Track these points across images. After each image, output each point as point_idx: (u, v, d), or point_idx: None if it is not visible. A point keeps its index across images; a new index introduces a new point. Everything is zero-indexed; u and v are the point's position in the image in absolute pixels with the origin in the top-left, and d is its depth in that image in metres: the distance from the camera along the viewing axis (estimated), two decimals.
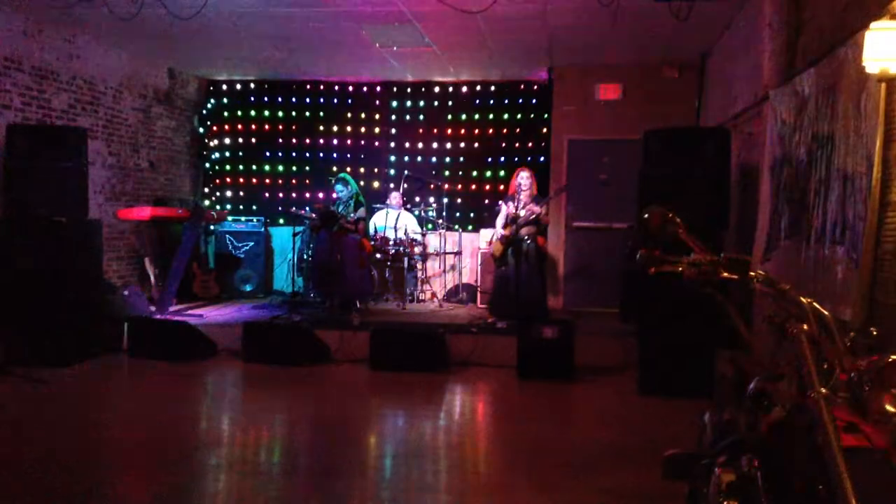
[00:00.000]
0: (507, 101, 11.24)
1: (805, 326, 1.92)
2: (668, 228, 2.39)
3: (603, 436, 5.54)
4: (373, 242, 9.87)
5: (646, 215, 2.42)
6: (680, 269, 2.26)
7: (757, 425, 2.07)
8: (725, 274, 2.19)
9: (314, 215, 9.54)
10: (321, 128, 11.74)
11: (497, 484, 4.60)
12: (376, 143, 11.65)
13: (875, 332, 2.07)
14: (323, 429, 5.72)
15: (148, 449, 5.09)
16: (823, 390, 1.75)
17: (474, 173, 11.36)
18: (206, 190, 11.99)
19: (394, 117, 11.59)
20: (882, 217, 4.07)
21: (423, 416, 6.07)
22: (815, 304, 2.00)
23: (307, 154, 11.81)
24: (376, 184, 11.57)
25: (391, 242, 9.90)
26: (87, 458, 4.88)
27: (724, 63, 8.50)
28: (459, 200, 11.32)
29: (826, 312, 2.01)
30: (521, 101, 11.21)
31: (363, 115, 11.66)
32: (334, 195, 9.62)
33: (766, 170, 6.13)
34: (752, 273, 2.18)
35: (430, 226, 10.92)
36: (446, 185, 10.82)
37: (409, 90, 11.50)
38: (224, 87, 11.88)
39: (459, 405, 6.67)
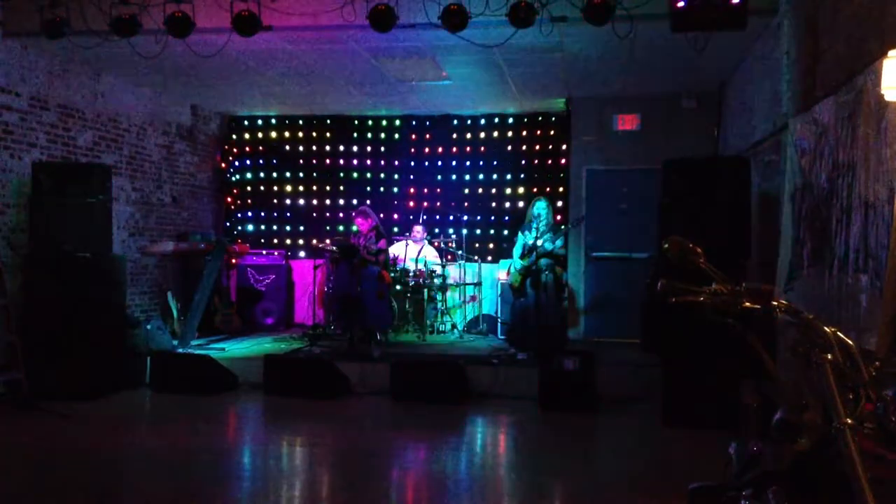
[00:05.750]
0: (525, 133, 11.30)
1: (829, 356, 1.90)
2: (689, 258, 2.38)
3: (627, 468, 5.48)
4: (393, 274, 9.89)
5: (666, 245, 2.42)
6: (701, 299, 2.25)
7: (783, 456, 2.05)
8: (747, 304, 2.18)
9: (334, 248, 9.59)
10: (341, 161, 11.86)
11: None
12: (396, 176, 11.73)
13: None
14: (345, 461, 5.70)
15: (170, 483, 5.09)
16: (849, 420, 1.73)
17: (493, 204, 11.39)
18: (228, 224, 12.11)
19: (413, 150, 11.67)
20: None
21: (445, 449, 6.03)
22: (839, 333, 1.99)
23: (327, 188, 11.91)
24: (396, 216, 11.64)
25: (411, 274, 9.92)
26: (110, 492, 4.89)
27: (742, 92, 8.50)
28: (479, 231, 11.35)
29: (850, 342, 1.99)
30: (539, 131, 11.26)
31: (383, 149, 11.76)
32: (354, 228, 9.67)
33: (787, 198, 6.09)
34: (775, 302, 2.17)
35: (449, 256, 10.93)
36: (466, 217, 10.84)
37: (427, 123, 11.59)
38: (245, 122, 12.05)
39: (481, 438, 6.63)
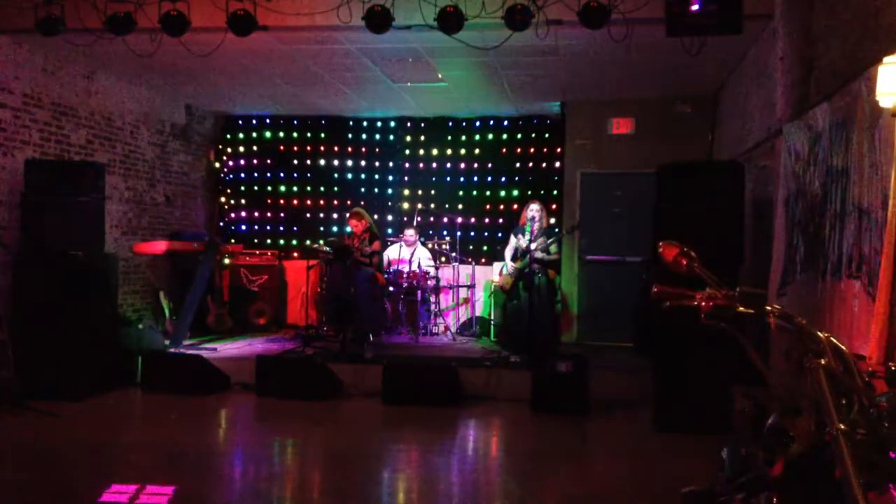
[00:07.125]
0: (520, 136, 11.31)
1: (823, 361, 1.90)
2: (683, 262, 2.38)
3: (619, 473, 5.47)
4: (386, 276, 9.87)
5: (660, 249, 2.42)
6: (695, 303, 2.25)
7: (775, 461, 2.05)
8: (741, 308, 2.18)
9: (328, 249, 9.57)
10: (336, 163, 11.84)
11: None
12: (390, 178, 11.72)
13: (893, 367, 2.04)
14: (336, 464, 5.68)
15: (161, 485, 5.06)
16: (842, 426, 1.73)
17: (488, 207, 11.40)
18: (221, 224, 12.07)
19: (407, 151, 11.67)
20: None
21: (437, 452, 6.02)
22: (832, 338, 1.99)
23: (322, 189, 11.89)
24: (390, 217, 11.63)
25: (404, 276, 9.91)
26: (100, 491, 4.86)
27: (737, 97, 8.52)
28: (473, 234, 11.35)
29: (843, 347, 1.99)
30: (534, 135, 11.27)
31: (377, 150, 11.76)
32: (348, 229, 9.66)
33: (781, 203, 6.10)
34: (768, 307, 2.16)
35: (443, 259, 10.91)
36: (460, 219, 10.84)
37: (422, 125, 11.59)
38: (240, 122, 12.02)
39: (473, 440, 6.62)
